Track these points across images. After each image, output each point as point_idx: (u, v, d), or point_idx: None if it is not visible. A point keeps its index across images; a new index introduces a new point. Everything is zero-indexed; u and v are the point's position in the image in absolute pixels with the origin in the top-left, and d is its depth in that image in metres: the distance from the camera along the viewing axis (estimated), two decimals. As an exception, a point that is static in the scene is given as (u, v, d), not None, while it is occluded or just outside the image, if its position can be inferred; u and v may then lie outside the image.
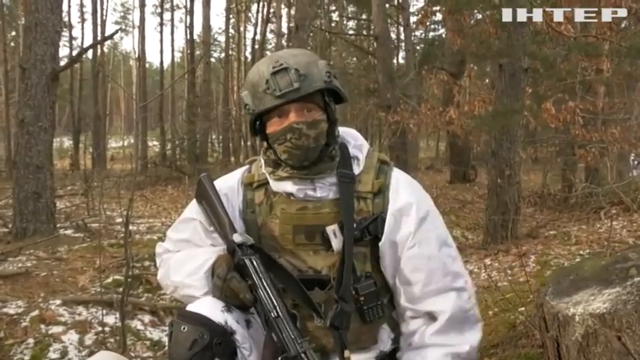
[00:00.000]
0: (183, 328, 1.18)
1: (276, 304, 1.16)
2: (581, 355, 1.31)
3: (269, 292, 1.18)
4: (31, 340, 2.85)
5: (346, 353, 1.21)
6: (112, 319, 3.13)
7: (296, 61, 1.22)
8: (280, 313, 1.15)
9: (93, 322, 3.11)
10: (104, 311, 3.13)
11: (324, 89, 1.25)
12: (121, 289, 3.24)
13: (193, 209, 1.41)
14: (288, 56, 1.23)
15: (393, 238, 1.26)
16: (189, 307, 1.25)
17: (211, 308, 1.22)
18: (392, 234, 1.26)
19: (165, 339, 3.06)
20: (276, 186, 1.31)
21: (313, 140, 1.23)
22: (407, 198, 1.28)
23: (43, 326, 2.99)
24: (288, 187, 1.28)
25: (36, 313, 3.10)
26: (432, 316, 1.26)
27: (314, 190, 1.28)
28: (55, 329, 2.97)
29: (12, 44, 19.75)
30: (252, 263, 1.21)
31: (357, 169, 1.30)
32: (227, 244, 1.28)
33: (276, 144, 1.25)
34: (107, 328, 3.05)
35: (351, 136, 1.37)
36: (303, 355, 1.11)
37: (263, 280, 1.19)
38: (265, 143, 1.31)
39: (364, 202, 1.28)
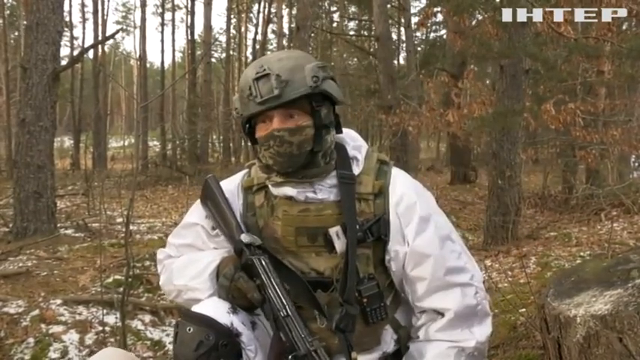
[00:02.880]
0: (189, 329, 1.18)
1: (285, 303, 1.16)
2: (583, 356, 1.31)
3: (278, 291, 1.18)
4: (31, 340, 2.85)
5: (353, 354, 1.21)
6: (112, 319, 3.13)
7: (280, 66, 1.19)
8: (290, 312, 1.15)
9: (93, 322, 3.11)
10: (104, 311, 3.13)
11: (311, 94, 1.21)
12: (121, 289, 3.24)
13: (195, 214, 1.41)
14: (273, 61, 1.21)
15: (399, 237, 1.26)
16: (195, 308, 1.25)
17: (217, 309, 1.22)
18: (397, 234, 1.26)
19: (166, 339, 3.09)
20: (275, 190, 1.30)
21: (296, 147, 1.22)
22: (407, 198, 1.27)
23: (43, 326, 2.98)
24: (288, 190, 1.28)
25: (36, 312, 3.10)
26: (438, 312, 1.26)
27: (314, 192, 1.28)
28: (56, 329, 2.97)
29: (13, 43, 19.75)
30: (260, 263, 1.21)
31: (356, 170, 1.29)
32: (234, 245, 1.27)
33: (262, 149, 1.26)
34: (107, 328, 3.04)
35: (349, 136, 1.36)
36: (313, 353, 1.11)
37: (272, 280, 1.19)
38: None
39: (365, 203, 1.27)
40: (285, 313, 1.15)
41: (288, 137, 1.20)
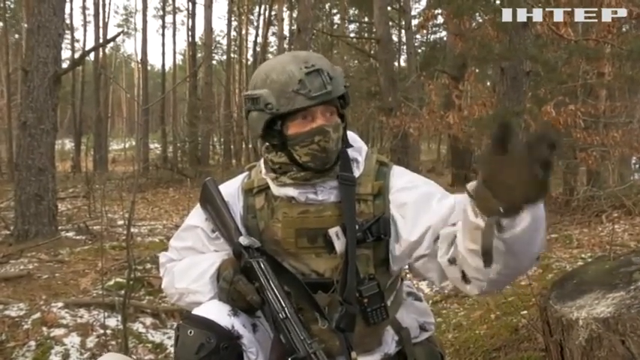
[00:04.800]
0: (190, 332, 1.18)
1: (284, 305, 1.16)
2: (585, 359, 1.31)
3: (277, 293, 1.18)
4: (32, 343, 2.84)
5: (353, 354, 1.20)
6: (113, 322, 3.12)
7: (323, 63, 1.23)
8: (289, 314, 1.15)
9: (95, 325, 3.10)
10: (106, 314, 3.12)
11: (341, 95, 1.26)
12: (122, 292, 3.23)
13: (195, 217, 1.41)
14: (315, 58, 1.24)
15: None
16: (196, 311, 1.25)
17: (218, 312, 1.22)
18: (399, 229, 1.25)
19: (167, 342, 3.08)
20: (277, 190, 1.31)
21: (335, 144, 1.24)
22: (406, 182, 1.29)
23: (44, 329, 2.98)
24: (290, 191, 1.28)
25: (38, 315, 3.09)
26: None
27: (315, 193, 1.28)
28: (57, 332, 2.96)
29: (14, 46, 19.80)
30: (259, 265, 1.21)
31: (357, 172, 1.30)
32: (233, 248, 1.28)
33: (297, 146, 1.24)
34: (109, 331, 3.04)
35: (350, 138, 1.36)
36: (313, 355, 1.11)
37: (270, 282, 1.19)
38: (272, 146, 1.29)
39: (365, 204, 1.28)
40: (283, 315, 1.15)
41: (332, 133, 1.23)
